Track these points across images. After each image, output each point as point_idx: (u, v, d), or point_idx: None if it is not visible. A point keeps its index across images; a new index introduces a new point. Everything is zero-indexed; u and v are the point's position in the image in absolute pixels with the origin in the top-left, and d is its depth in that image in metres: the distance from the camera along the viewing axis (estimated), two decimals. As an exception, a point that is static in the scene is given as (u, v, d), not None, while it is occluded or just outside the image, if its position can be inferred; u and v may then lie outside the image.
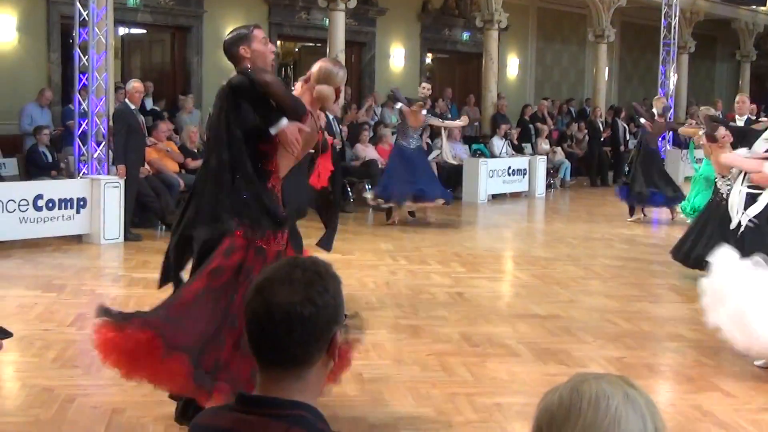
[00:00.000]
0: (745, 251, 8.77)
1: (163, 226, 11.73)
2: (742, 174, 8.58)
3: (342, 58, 14.88)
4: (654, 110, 13.97)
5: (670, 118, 15.75)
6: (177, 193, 12.11)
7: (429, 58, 21.80)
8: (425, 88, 12.78)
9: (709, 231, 8.97)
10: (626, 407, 1.45)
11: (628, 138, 20.10)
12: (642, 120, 13.88)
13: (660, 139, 14.42)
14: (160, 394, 4.78)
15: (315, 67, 4.89)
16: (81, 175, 11.10)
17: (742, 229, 8.40)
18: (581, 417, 1.45)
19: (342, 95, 5.10)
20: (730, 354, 6.60)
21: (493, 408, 5.28)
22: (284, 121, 4.52)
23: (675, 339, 7.13)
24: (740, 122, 10.51)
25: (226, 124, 4.48)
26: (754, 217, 8.27)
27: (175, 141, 13.20)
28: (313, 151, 5.10)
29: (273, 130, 4.52)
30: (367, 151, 15.08)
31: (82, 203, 10.71)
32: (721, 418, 5.22)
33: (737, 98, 11.38)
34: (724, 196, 8.99)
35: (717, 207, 9.06)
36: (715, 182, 9.25)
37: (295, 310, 1.80)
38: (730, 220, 8.80)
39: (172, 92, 16.32)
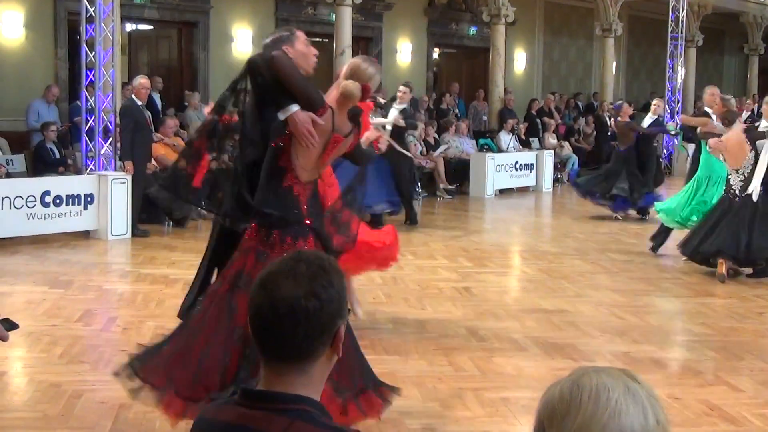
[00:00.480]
0: (754, 245, 8.79)
1: (171, 222, 11.75)
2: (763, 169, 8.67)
3: (348, 53, 14.86)
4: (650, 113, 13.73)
5: (667, 120, 15.44)
6: (184, 189, 12.09)
7: (436, 53, 21.77)
8: (401, 92, 12.01)
9: (719, 228, 8.93)
10: (627, 400, 1.44)
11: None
12: (611, 120, 13.95)
13: (635, 140, 13.39)
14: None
15: (346, 66, 4.63)
16: (88, 171, 11.12)
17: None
18: (581, 410, 1.45)
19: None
20: (737, 348, 6.60)
21: (499, 402, 5.28)
22: (294, 107, 4.27)
23: (682, 333, 7.13)
24: (713, 115, 10.33)
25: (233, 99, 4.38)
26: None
27: (182, 137, 13.21)
28: (348, 159, 4.74)
29: (281, 115, 4.28)
30: (374, 147, 15.06)
31: (89, 199, 10.74)
32: (728, 412, 5.21)
33: (708, 90, 11.02)
34: (737, 192, 8.96)
35: (730, 203, 9.01)
36: (728, 179, 9.17)
37: (300, 304, 1.80)
38: (741, 217, 8.81)
39: (179, 88, 16.33)
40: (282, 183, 4.35)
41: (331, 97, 4.47)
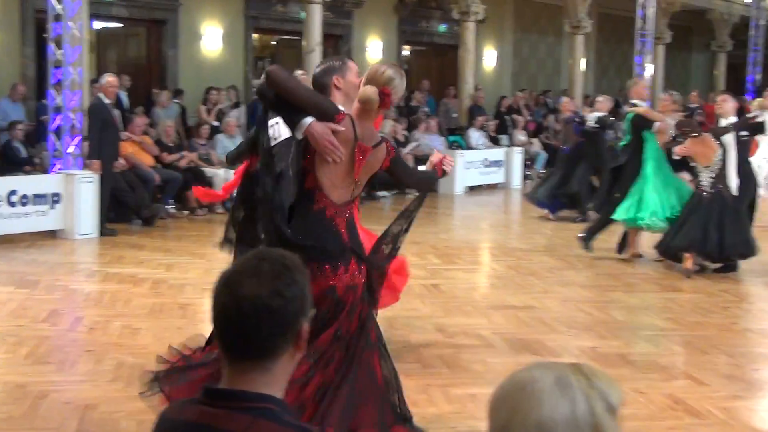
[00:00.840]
0: (726, 242, 8.88)
1: (139, 221, 11.69)
2: None
3: (319, 51, 14.82)
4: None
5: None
6: (152, 188, 12.08)
7: (406, 51, 21.79)
8: None
9: (688, 223, 9.00)
10: (552, 391, 1.46)
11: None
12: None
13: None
14: (133, 390, 4.76)
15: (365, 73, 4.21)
16: (55, 170, 11.03)
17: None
18: (507, 403, 1.49)
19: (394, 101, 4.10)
20: (702, 342, 6.68)
21: (467, 399, 5.31)
22: (308, 120, 3.89)
23: (648, 328, 7.20)
24: (641, 104, 10.27)
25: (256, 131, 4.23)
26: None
27: (150, 135, 13.14)
28: (392, 177, 4.33)
29: (298, 134, 3.92)
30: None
31: (56, 198, 10.65)
32: (693, 405, 5.27)
33: (640, 83, 10.92)
34: (708, 188, 9.04)
35: (699, 199, 9.07)
36: (699, 176, 9.21)
37: (263, 303, 1.81)
38: (710, 212, 8.89)
39: (147, 86, 16.22)
40: (312, 206, 3.97)
41: (352, 110, 4.09)
